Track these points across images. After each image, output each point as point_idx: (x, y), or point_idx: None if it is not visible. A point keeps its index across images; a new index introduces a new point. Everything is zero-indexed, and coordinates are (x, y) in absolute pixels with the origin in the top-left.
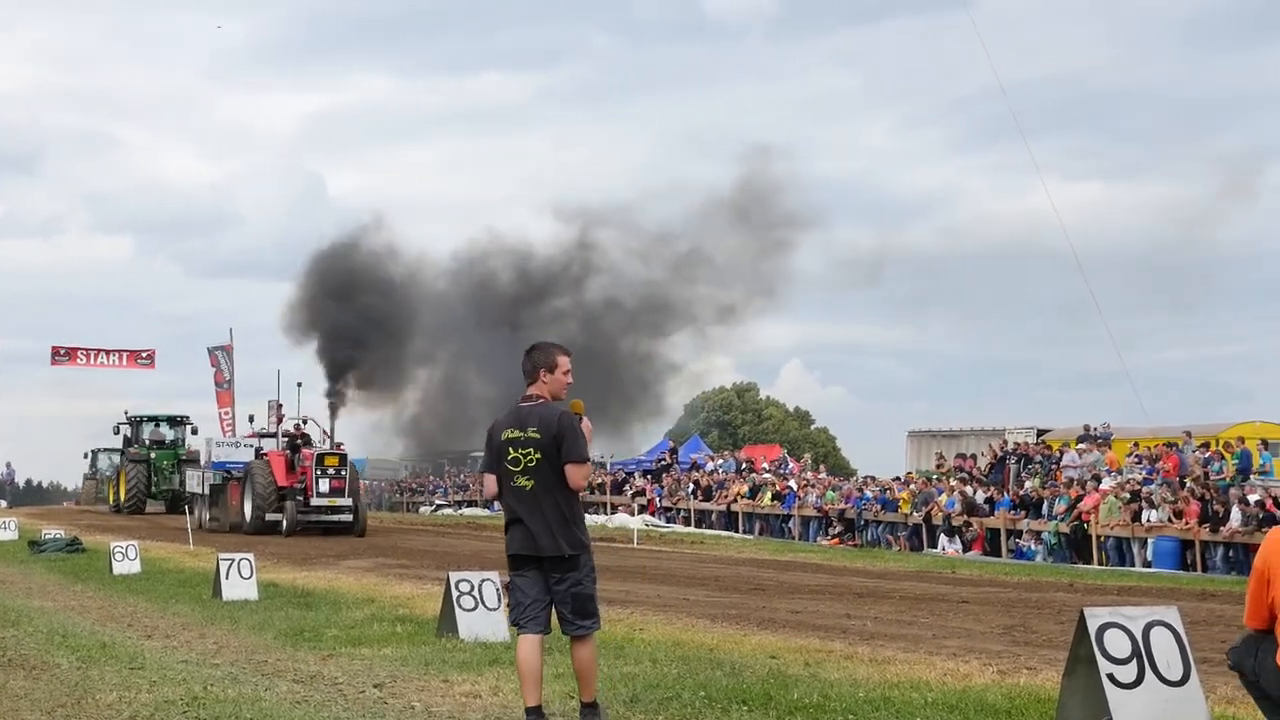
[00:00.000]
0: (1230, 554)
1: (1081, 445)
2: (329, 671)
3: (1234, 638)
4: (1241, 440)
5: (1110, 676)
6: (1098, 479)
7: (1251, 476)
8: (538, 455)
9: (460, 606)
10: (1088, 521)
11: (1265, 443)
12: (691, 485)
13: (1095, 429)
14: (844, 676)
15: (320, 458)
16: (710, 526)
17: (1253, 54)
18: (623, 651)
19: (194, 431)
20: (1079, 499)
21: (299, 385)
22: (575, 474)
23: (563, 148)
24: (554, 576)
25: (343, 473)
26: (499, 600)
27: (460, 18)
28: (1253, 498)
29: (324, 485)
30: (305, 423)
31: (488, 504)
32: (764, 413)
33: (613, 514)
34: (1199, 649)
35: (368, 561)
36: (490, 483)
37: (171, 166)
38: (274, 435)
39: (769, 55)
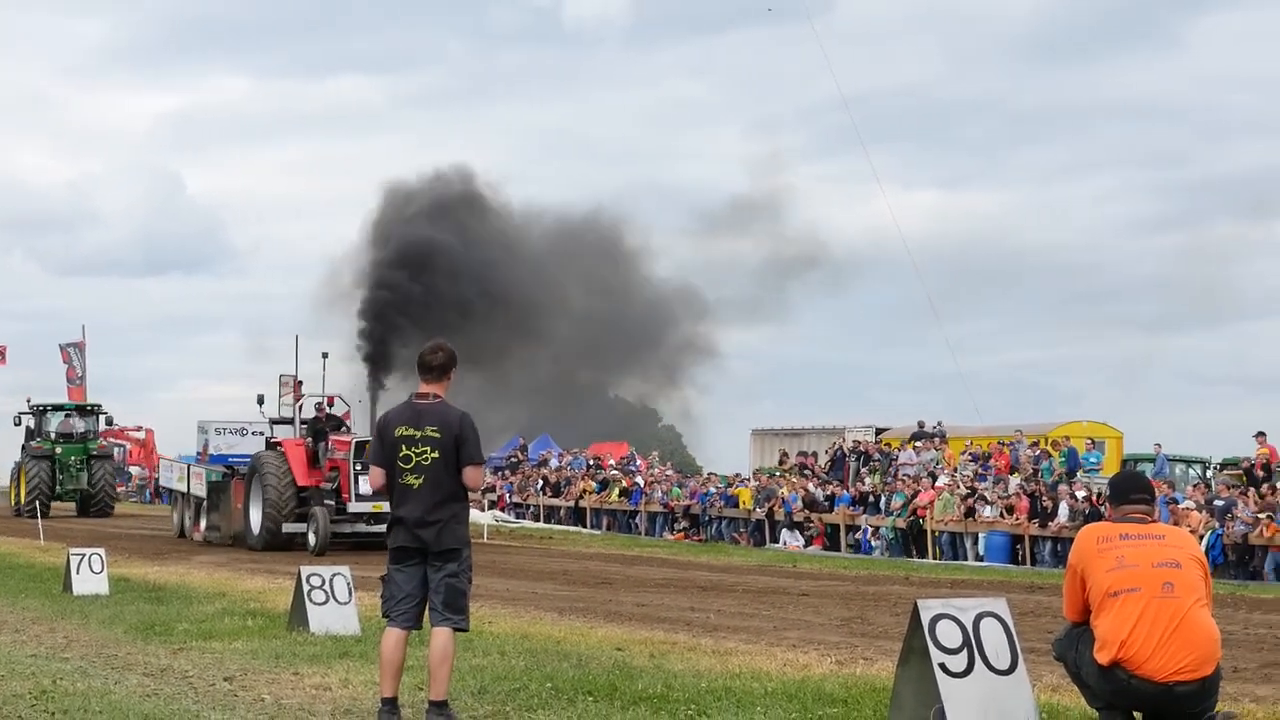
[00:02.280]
0: (1058, 548)
1: (918, 443)
2: (179, 665)
3: (1059, 629)
4: (1068, 439)
5: (942, 666)
6: (934, 476)
7: (1078, 474)
8: (434, 454)
9: (311, 600)
10: (923, 517)
11: (1092, 441)
12: (541, 481)
13: (929, 427)
14: (687, 668)
15: (362, 446)
16: (559, 522)
17: (1083, 68)
18: (471, 644)
19: (109, 422)
20: (915, 495)
21: (325, 356)
22: (474, 475)
23: (418, 150)
24: (434, 565)
25: None
26: (349, 594)
27: (317, 22)
28: (1080, 494)
29: (364, 485)
30: (331, 404)
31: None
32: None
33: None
34: (1027, 639)
35: (221, 556)
36: (378, 475)
37: (28, 165)
38: (290, 421)
39: (623, 63)
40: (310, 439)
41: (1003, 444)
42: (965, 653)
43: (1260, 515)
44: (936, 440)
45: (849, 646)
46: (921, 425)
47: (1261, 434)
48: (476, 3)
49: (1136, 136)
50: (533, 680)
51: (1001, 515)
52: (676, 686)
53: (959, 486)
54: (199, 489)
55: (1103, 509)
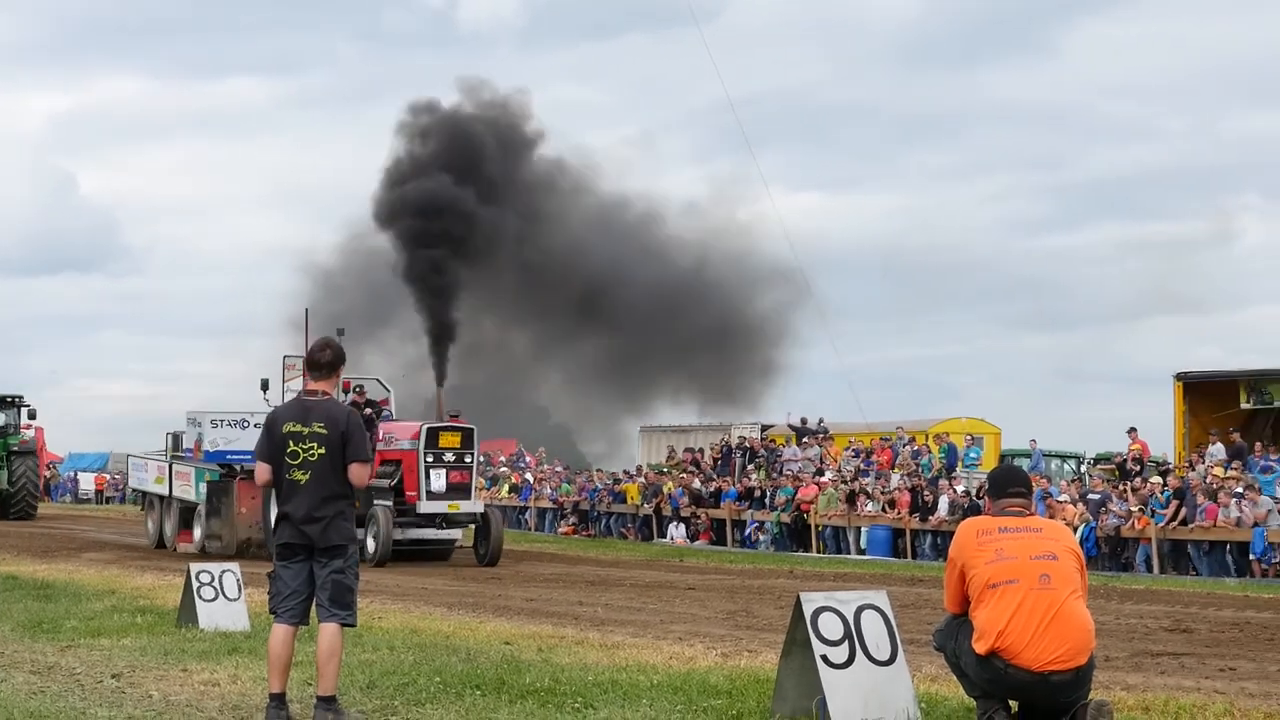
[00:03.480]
0: (939, 541)
1: (804, 440)
2: (67, 662)
3: (939, 620)
4: (948, 435)
5: (824, 658)
6: (818, 472)
7: (958, 469)
8: (321, 450)
9: (200, 597)
10: (807, 512)
11: (971, 437)
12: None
13: (813, 424)
14: (575, 661)
15: (431, 434)
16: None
17: (964, 73)
18: (360, 640)
19: (32, 415)
20: (799, 490)
21: (340, 333)
22: (360, 472)
23: (309, 151)
24: (320, 561)
25: (467, 458)
26: (239, 591)
27: (210, 23)
28: (959, 488)
29: (437, 480)
30: (361, 389)
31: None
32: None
33: None
34: (907, 631)
35: (109, 554)
36: (264, 471)
37: None
38: None
39: (518, 66)
40: None
41: (884, 440)
42: (846, 644)
43: (1132, 509)
44: (820, 437)
45: (734, 639)
46: (804, 422)
47: (1133, 430)
48: (370, 5)
49: (1016, 140)
50: (421, 675)
51: (883, 510)
52: (564, 680)
53: (840, 483)
54: (185, 491)
55: (981, 503)
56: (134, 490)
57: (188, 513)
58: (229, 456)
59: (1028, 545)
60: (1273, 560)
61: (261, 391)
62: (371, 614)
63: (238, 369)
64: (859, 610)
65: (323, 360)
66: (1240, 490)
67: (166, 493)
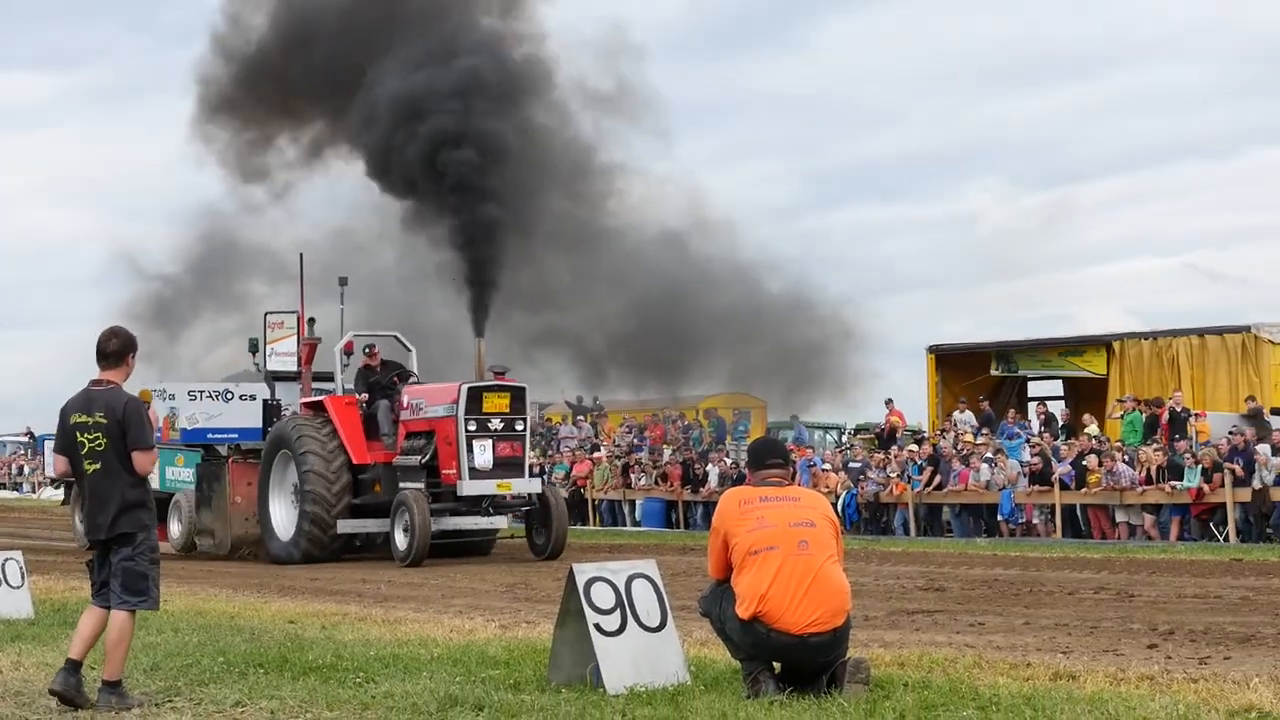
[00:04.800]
0: (709, 511)
1: (579, 418)
2: None
3: (706, 587)
4: (716, 410)
5: (597, 626)
6: (594, 448)
7: (727, 441)
8: (105, 440)
9: None
10: (584, 486)
11: (738, 411)
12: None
13: (585, 403)
14: (358, 637)
15: (473, 395)
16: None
17: (727, 64)
18: (146, 623)
19: None
20: (574, 466)
21: (343, 283)
22: (142, 460)
23: (88, 145)
24: (112, 549)
25: (519, 425)
26: (22, 578)
27: None
28: (728, 460)
29: (482, 454)
30: (373, 349)
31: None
32: None
33: None
34: (679, 598)
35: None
36: (60, 463)
37: None
38: (292, 376)
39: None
40: (364, 394)
41: (656, 416)
42: (618, 613)
43: (890, 475)
44: (594, 415)
45: (513, 611)
46: (579, 400)
47: (889, 401)
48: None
49: (774, 128)
50: (205, 655)
51: (656, 483)
52: (346, 656)
53: (614, 458)
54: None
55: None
56: (50, 479)
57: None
58: (211, 436)
59: (787, 514)
60: (1019, 521)
61: (250, 354)
62: None
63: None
64: (630, 579)
65: (109, 349)
66: (990, 455)
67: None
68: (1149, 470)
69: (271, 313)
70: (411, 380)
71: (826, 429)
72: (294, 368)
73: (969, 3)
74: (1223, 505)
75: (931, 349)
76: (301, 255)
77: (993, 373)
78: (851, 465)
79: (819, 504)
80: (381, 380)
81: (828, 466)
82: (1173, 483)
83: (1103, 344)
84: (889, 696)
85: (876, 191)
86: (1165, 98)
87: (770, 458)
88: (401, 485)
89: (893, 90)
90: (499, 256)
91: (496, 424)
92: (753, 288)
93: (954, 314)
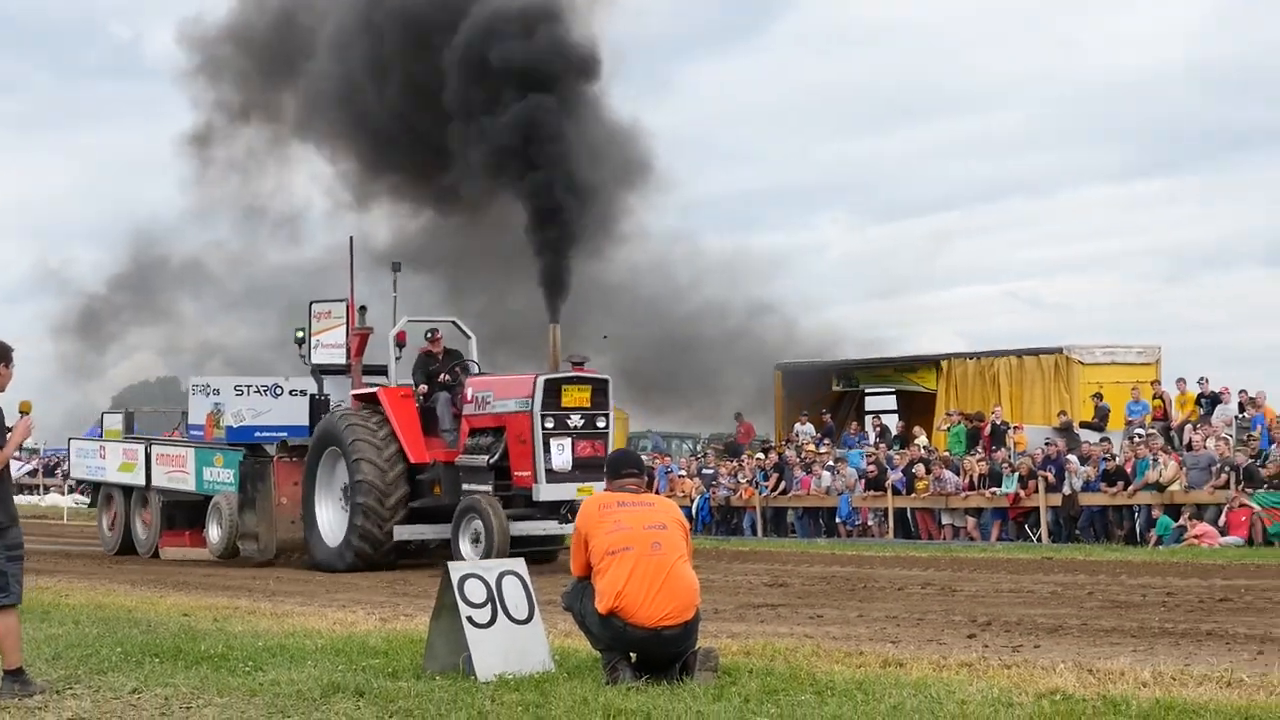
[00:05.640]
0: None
1: None
2: None
3: (569, 584)
4: None
5: (469, 619)
6: None
7: None
8: None
9: None
10: None
11: None
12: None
13: None
14: (247, 629)
15: (551, 389)
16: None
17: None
18: (48, 615)
19: None
20: None
21: (397, 268)
22: None
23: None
24: None
25: (600, 422)
26: None
27: None
28: None
29: (560, 454)
30: (435, 334)
31: None
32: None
33: (45, 494)
34: (545, 593)
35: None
36: None
37: None
38: (341, 370)
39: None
40: (423, 386)
41: None
42: (489, 606)
43: (740, 481)
44: None
45: (393, 605)
46: None
47: (739, 414)
48: (58, 37)
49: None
50: (104, 645)
51: None
52: (236, 646)
53: None
54: (178, 480)
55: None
56: (78, 482)
57: (177, 508)
58: (258, 435)
59: (641, 517)
60: (856, 523)
61: (296, 346)
62: (59, 592)
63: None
64: (500, 576)
65: None
66: (831, 463)
67: (142, 483)
68: (972, 477)
69: (318, 301)
70: (474, 371)
71: (683, 438)
72: (342, 360)
73: (818, 53)
74: (1037, 509)
75: (779, 366)
76: (351, 239)
77: (834, 388)
78: (704, 472)
79: (670, 509)
80: (442, 370)
81: (683, 473)
82: (993, 489)
83: (933, 363)
84: (735, 682)
85: (733, 221)
86: (993, 141)
87: (626, 468)
88: (465, 487)
89: (747, 130)
90: (576, 235)
91: (576, 420)
92: (614, 307)
93: (801, 334)
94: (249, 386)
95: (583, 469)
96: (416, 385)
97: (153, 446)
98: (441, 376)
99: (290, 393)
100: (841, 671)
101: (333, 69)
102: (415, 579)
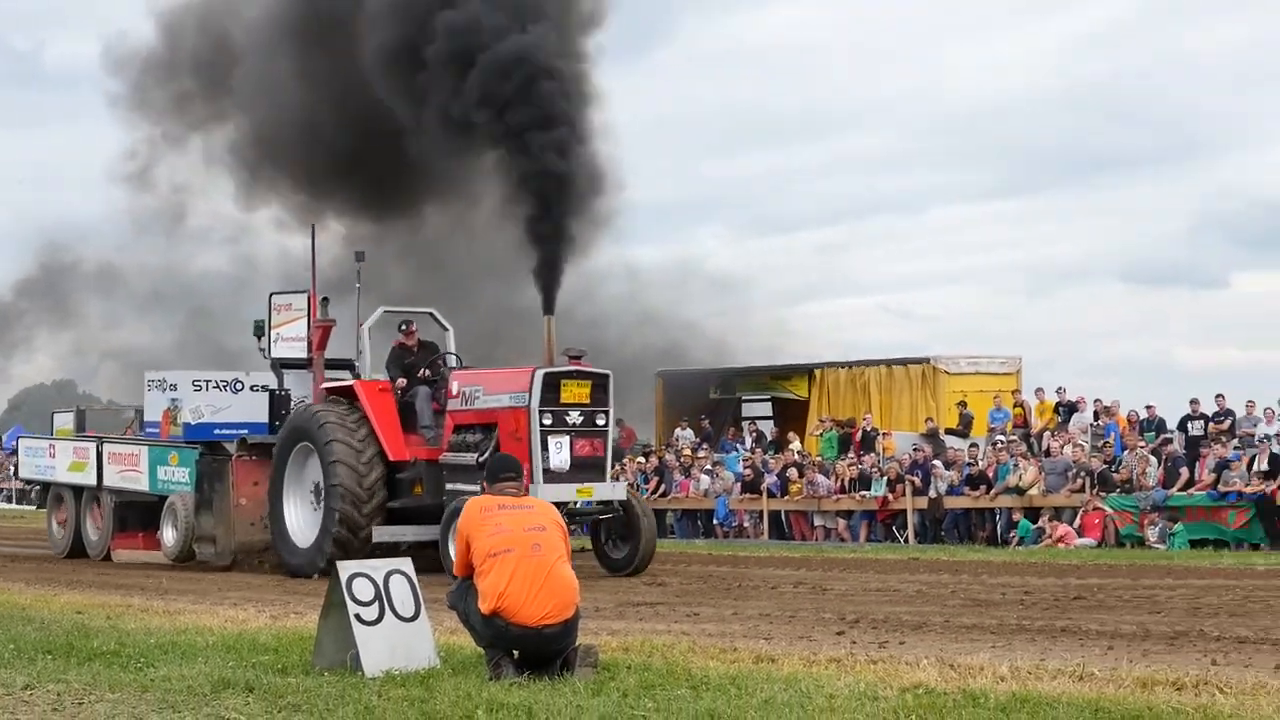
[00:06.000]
0: None
1: None
2: None
3: (455, 583)
4: None
5: (357, 616)
6: None
7: None
8: None
9: None
10: None
11: None
12: (12, 468)
13: None
14: (140, 626)
15: (550, 383)
16: (31, 503)
17: None
18: None
19: None
20: None
21: (360, 257)
22: None
23: None
24: None
25: (600, 420)
26: None
27: None
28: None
29: (558, 453)
30: (410, 326)
31: None
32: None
33: None
34: (432, 591)
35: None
36: None
37: None
38: (301, 364)
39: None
40: (400, 380)
41: None
42: (377, 604)
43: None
44: None
45: (283, 604)
46: None
47: (620, 421)
48: None
49: None
50: None
51: None
52: (128, 643)
53: None
54: (130, 480)
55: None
56: (25, 482)
57: (129, 509)
58: (217, 432)
59: (521, 520)
60: (732, 524)
61: (255, 338)
62: None
63: None
64: (388, 575)
65: None
66: (710, 467)
67: (94, 482)
68: (843, 481)
69: (278, 293)
70: (456, 364)
71: None
72: (304, 354)
73: (696, 74)
74: (904, 511)
75: (660, 373)
76: (314, 227)
77: (712, 395)
78: None
79: (549, 511)
80: (419, 363)
81: None
82: (862, 492)
83: (806, 371)
84: (614, 678)
85: (616, 234)
86: (866, 161)
87: (504, 472)
88: (450, 487)
89: (629, 148)
90: (573, 215)
91: (575, 417)
92: (501, 321)
93: (681, 342)
94: (208, 381)
95: (581, 469)
96: (394, 379)
97: (104, 445)
98: (422, 371)
99: (251, 388)
100: (716, 667)
101: (265, 91)
102: (307, 578)
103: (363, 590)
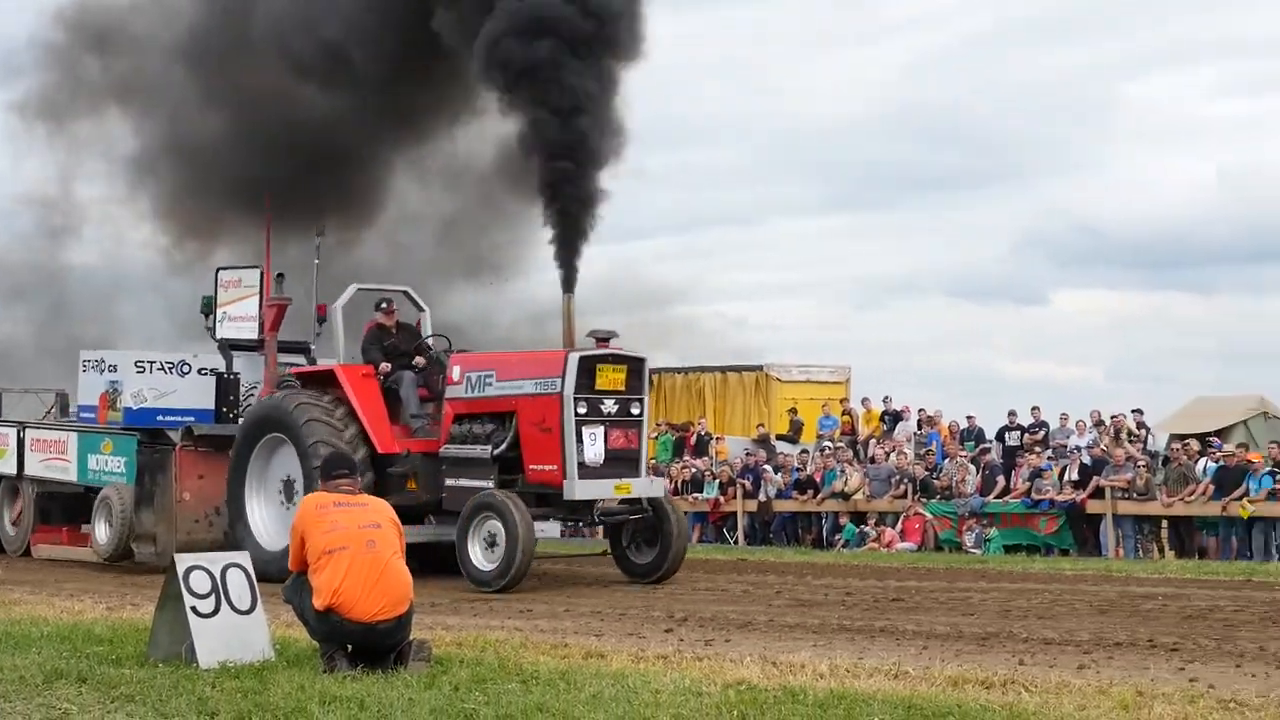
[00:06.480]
0: None
1: None
2: None
3: (289, 578)
4: None
5: (193, 608)
6: None
7: None
8: None
9: None
10: None
11: None
12: None
13: None
14: None
15: (586, 368)
16: None
17: None
18: None
19: None
20: None
21: (320, 232)
22: None
23: None
24: None
25: (635, 409)
26: None
27: None
28: None
29: (593, 445)
30: (389, 305)
31: None
32: None
33: None
34: (273, 586)
35: None
36: None
37: None
38: (250, 346)
39: None
40: (387, 367)
41: None
42: (213, 597)
43: None
44: None
45: (120, 595)
46: None
47: None
48: None
49: None
50: None
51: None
52: None
53: None
54: (57, 470)
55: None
56: None
57: (53, 501)
58: (161, 419)
59: (356, 517)
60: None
61: (203, 315)
62: None
63: None
64: (225, 569)
65: None
66: None
67: (13, 471)
68: (677, 483)
69: (226, 268)
70: (448, 347)
71: None
72: (254, 335)
73: None
74: (734, 513)
75: None
76: (268, 195)
77: None
78: None
79: (384, 509)
80: (401, 346)
81: None
82: (695, 494)
83: None
84: (446, 671)
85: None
86: (709, 175)
87: (337, 469)
88: (451, 483)
89: None
90: (596, 182)
91: (610, 406)
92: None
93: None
94: (151, 363)
95: (616, 463)
96: (375, 363)
97: (26, 430)
98: (416, 358)
99: (199, 371)
100: (547, 662)
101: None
102: (146, 570)
103: (200, 583)
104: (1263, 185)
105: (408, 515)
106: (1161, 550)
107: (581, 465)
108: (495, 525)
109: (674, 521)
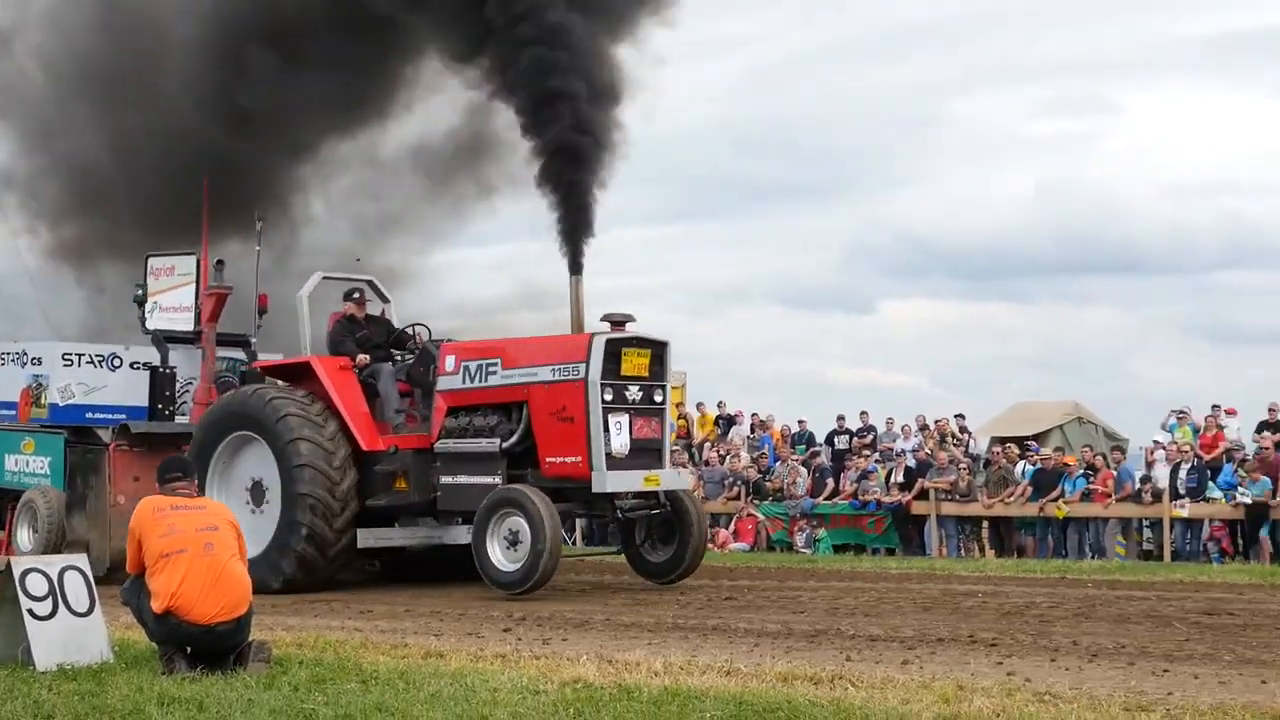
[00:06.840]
0: None
1: None
2: None
3: (127, 580)
4: None
5: (30, 611)
6: None
7: None
8: None
9: None
10: None
11: None
12: None
13: None
14: None
15: (612, 351)
16: None
17: None
18: None
19: None
20: None
21: (261, 217)
22: None
23: None
24: None
25: (658, 396)
26: None
27: None
28: None
29: (619, 434)
30: (360, 294)
31: None
32: None
33: None
34: (112, 588)
35: None
36: None
37: None
38: (188, 339)
39: None
40: (365, 359)
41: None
42: (51, 599)
43: None
44: None
45: None
46: None
47: None
48: None
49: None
50: None
51: None
52: None
53: None
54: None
55: None
56: None
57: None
58: (90, 416)
59: (194, 520)
60: None
61: (137, 306)
62: None
63: None
64: (63, 571)
65: None
66: None
67: None
68: None
69: (155, 254)
70: (429, 336)
71: None
72: (189, 326)
73: None
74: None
75: None
76: (207, 180)
77: None
78: None
79: (222, 511)
80: (373, 338)
81: None
82: None
83: None
84: (286, 672)
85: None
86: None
87: (172, 473)
88: (449, 480)
89: None
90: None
91: (634, 393)
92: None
93: None
94: (80, 356)
95: (641, 453)
96: (350, 356)
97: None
98: (403, 352)
99: (132, 365)
100: (387, 662)
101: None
102: None
103: (36, 585)
104: (1078, 200)
105: (390, 517)
106: (982, 549)
107: (609, 455)
108: (517, 521)
109: (694, 516)
